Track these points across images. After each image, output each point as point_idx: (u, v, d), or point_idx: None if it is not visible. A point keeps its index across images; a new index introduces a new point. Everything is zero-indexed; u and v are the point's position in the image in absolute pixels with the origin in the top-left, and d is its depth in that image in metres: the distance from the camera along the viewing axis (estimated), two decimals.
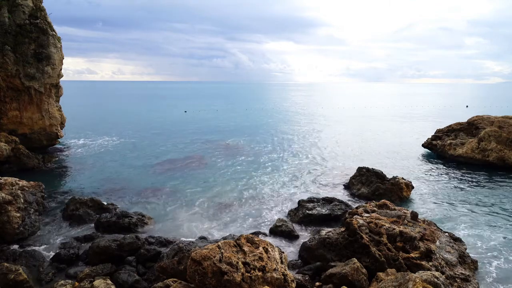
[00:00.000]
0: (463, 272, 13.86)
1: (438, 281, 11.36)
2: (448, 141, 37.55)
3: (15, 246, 17.03)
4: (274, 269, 11.78)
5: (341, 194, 25.48)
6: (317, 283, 13.68)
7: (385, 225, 15.37)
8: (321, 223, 20.17)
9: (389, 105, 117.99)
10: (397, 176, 25.39)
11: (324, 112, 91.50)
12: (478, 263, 15.54)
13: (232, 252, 11.90)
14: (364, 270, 13.43)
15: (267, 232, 19.22)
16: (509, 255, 16.74)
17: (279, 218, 20.31)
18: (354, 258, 13.78)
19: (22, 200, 19.08)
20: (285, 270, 12.21)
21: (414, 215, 16.86)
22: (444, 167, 33.21)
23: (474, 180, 29.05)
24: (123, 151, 39.60)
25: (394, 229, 15.09)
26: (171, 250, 15.39)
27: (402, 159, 36.79)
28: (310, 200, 22.56)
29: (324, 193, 25.68)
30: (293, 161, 35.55)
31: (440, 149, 38.17)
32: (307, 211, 20.82)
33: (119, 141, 45.59)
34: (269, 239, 18.14)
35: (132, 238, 16.54)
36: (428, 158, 37.43)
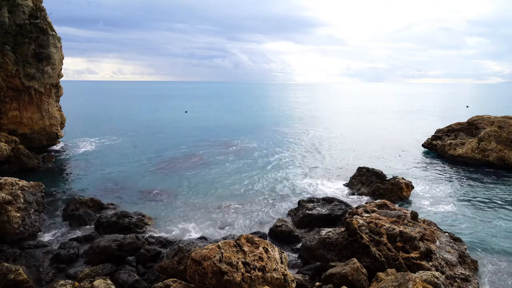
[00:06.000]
0: (463, 272, 13.85)
1: (438, 281, 11.36)
2: (448, 141, 37.54)
3: (15, 246, 17.02)
4: (274, 269, 11.77)
5: (341, 194, 25.47)
6: (317, 283, 13.67)
7: (385, 225, 15.37)
8: (321, 223, 20.15)
9: (389, 105, 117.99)
10: (397, 176, 25.38)
11: (324, 112, 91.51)
12: (478, 263, 15.54)
13: (232, 252, 11.89)
14: (364, 270, 13.41)
15: (267, 232, 19.19)
16: (509, 255, 16.74)
17: (279, 218, 20.32)
18: (354, 258, 13.76)
19: (22, 200, 19.08)
20: (285, 270, 12.19)
21: (414, 215, 16.85)
22: (444, 167, 33.18)
23: (474, 180, 29.03)
24: (123, 151, 39.61)
25: (394, 229, 15.09)
26: (171, 250, 15.38)
27: (402, 159, 36.77)
28: (310, 200, 22.57)
29: (324, 193, 25.68)
30: (293, 161, 35.56)
31: (440, 149, 38.16)
32: (307, 211, 20.81)
33: (119, 141, 45.60)
34: (269, 239, 18.15)
35: (132, 238, 16.54)
36: (428, 158, 37.41)
